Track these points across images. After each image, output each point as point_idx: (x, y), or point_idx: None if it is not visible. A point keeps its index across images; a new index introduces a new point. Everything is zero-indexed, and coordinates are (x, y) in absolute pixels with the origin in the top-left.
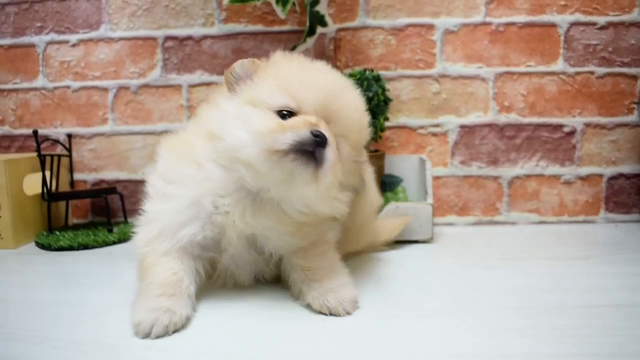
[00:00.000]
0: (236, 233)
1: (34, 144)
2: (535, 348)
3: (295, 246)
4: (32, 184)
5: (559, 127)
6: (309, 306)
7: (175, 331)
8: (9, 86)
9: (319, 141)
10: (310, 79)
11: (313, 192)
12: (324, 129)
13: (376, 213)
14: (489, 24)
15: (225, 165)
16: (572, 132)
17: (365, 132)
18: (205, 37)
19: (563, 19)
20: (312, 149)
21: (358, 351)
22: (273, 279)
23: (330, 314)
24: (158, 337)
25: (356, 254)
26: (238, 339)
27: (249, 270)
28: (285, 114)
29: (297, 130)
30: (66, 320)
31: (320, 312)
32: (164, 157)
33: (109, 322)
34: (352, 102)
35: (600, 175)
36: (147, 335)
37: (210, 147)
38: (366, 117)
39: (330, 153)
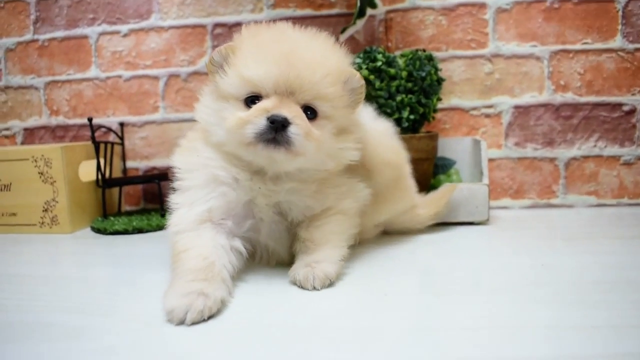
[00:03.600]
0: (265, 200)
1: (88, 134)
2: (610, 320)
3: (312, 211)
4: (87, 171)
5: (618, 105)
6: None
7: (210, 316)
8: (63, 77)
9: (276, 127)
10: (262, 56)
11: (303, 162)
12: (283, 109)
13: (400, 172)
14: (543, 1)
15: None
16: (631, 111)
17: (341, 78)
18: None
19: None
20: (272, 136)
21: (411, 325)
22: None
23: (301, 287)
24: (194, 323)
25: (406, 233)
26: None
27: (287, 245)
28: (251, 101)
29: (255, 121)
30: (122, 295)
31: (294, 284)
32: (177, 164)
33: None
34: (308, 64)
35: None
36: (181, 322)
37: (208, 141)
38: (333, 62)
39: (295, 129)
